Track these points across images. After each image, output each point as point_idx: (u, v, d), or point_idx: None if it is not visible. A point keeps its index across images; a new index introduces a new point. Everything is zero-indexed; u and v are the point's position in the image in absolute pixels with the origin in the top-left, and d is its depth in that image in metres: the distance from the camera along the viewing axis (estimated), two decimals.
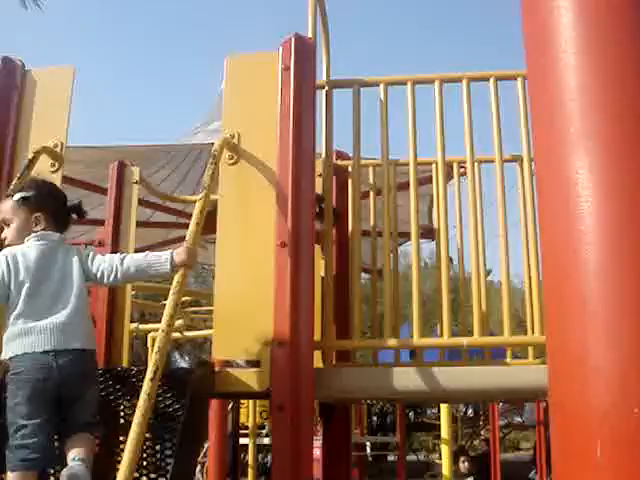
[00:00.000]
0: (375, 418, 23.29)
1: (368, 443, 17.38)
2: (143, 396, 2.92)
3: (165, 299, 3.79)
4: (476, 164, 4.77)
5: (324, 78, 4.75)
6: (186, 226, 6.80)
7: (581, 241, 2.23)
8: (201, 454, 13.18)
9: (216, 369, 3.86)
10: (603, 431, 2.08)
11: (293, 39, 4.08)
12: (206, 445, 11.11)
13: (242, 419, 11.65)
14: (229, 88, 4.17)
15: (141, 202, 7.89)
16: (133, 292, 7.98)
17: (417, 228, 4.14)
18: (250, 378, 3.76)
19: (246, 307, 3.87)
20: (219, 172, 3.98)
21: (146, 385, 2.95)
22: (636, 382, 2.09)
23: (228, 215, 4.01)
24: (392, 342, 3.97)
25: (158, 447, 3.44)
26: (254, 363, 3.81)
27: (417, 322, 3.90)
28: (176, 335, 9.50)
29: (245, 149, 4.03)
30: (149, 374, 2.98)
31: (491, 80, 4.16)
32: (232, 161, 4.02)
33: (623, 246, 2.20)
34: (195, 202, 3.64)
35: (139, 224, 8.67)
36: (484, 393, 4.26)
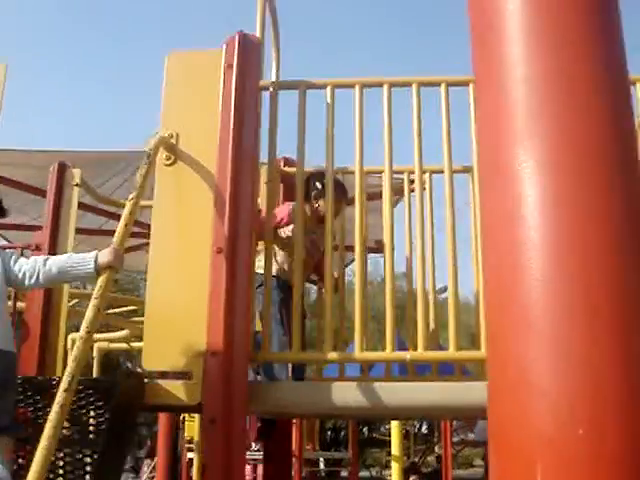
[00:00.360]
0: (329, 433, 22.93)
1: (322, 459, 17.09)
2: (55, 408, 2.68)
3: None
4: (427, 175, 4.59)
5: (274, 79, 4.56)
6: (141, 235, 6.59)
7: (525, 245, 2.01)
8: (149, 469, 12.87)
9: (146, 380, 3.59)
10: (545, 455, 1.85)
11: (237, 36, 3.85)
12: (155, 459, 10.80)
13: (191, 433, 11.33)
14: (169, 86, 3.90)
15: (94, 209, 7.64)
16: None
17: (362, 241, 3.88)
18: (181, 390, 3.51)
19: (179, 315, 3.61)
20: (156, 173, 3.75)
21: (59, 396, 2.71)
22: (583, 402, 1.85)
23: (163, 218, 3.76)
24: (333, 356, 3.71)
25: (78, 461, 3.20)
26: (186, 374, 3.55)
27: (359, 336, 3.66)
28: (124, 346, 9.16)
29: (183, 150, 3.78)
30: (63, 384, 2.73)
31: (442, 85, 3.94)
32: (169, 162, 3.76)
33: (574, 250, 1.97)
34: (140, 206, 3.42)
35: (93, 232, 8.45)
36: (427, 410, 4.02)
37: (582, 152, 2.04)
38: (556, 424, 1.85)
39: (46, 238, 4.89)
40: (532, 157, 2.05)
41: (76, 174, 5.06)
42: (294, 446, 11.50)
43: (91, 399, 3.27)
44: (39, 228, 6.71)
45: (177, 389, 3.51)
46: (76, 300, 7.37)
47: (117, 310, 8.48)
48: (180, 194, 3.75)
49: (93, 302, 2.95)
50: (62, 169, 5.05)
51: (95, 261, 3.08)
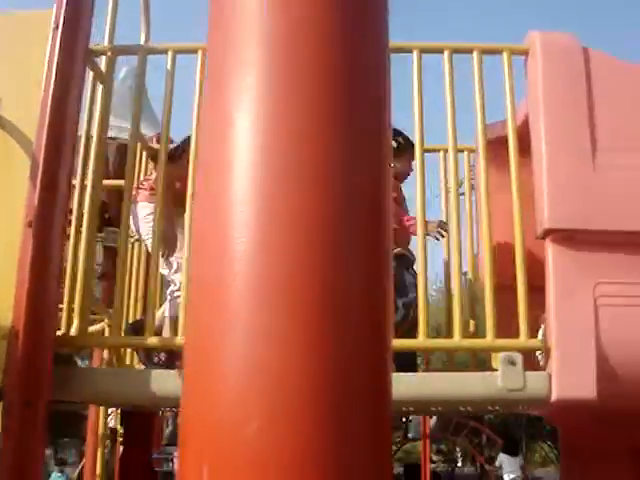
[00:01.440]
0: None
1: None
2: None
3: None
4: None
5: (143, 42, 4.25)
6: None
7: (231, 202, 1.60)
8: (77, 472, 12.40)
9: None
10: (211, 452, 1.47)
11: None
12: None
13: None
14: None
15: None
16: None
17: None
18: None
19: None
20: None
21: None
22: (261, 397, 1.46)
23: None
24: (152, 341, 3.34)
25: None
26: None
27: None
28: None
29: (5, 116, 3.39)
30: None
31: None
32: None
33: (276, 243, 1.54)
34: None
35: None
36: None
37: (299, 134, 1.62)
38: (220, 413, 1.47)
39: None
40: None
41: None
42: None
43: None
44: None
45: None
46: None
47: None
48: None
49: None
50: None
51: None
